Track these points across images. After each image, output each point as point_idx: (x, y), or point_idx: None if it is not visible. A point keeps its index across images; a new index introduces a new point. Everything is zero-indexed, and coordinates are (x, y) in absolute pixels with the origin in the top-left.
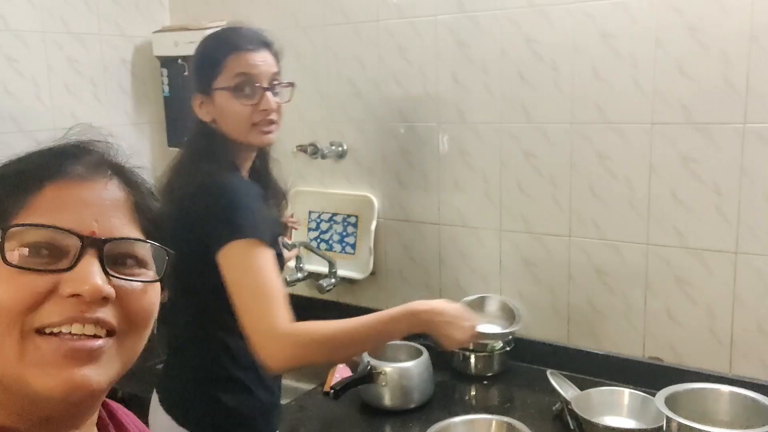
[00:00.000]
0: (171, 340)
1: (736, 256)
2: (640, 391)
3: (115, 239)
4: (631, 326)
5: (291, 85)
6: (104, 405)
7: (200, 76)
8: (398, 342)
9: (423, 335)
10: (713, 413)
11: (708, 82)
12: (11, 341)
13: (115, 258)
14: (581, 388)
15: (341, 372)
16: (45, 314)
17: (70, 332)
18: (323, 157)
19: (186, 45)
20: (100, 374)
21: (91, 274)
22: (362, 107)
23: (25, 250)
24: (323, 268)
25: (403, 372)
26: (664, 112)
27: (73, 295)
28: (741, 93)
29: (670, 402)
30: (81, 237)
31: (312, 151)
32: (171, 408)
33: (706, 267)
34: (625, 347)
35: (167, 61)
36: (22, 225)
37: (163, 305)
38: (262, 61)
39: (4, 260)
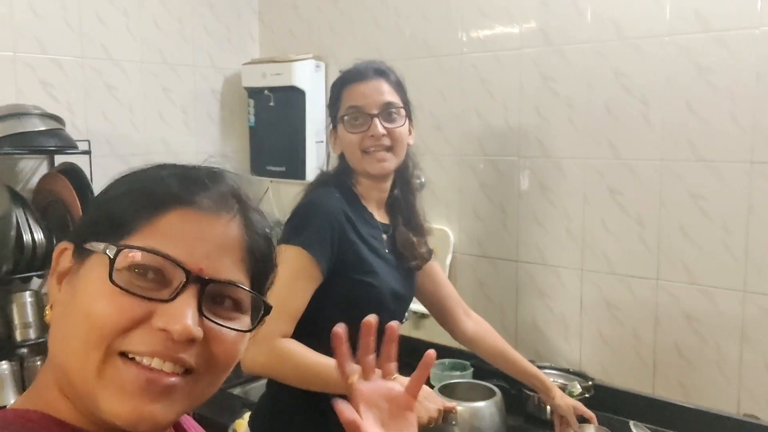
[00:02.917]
0: None
1: None
2: None
3: (219, 281)
4: (724, 379)
5: (404, 108)
6: None
7: (330, 112)
8: (471, 380)
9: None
10: None
11: None
12: (95, 357)
13: (214, 296)
14: None
15: None
16: (133, 341)
17: (150, 364)
18: None
19: (273, 77)
20: (168, 411)
21: (185, 314)
22: (442, 140)
23: (138, 255)
24: None
25: (475, 412)
26: (765, 150)
27: (162, 330)
28: None
29: None
30: (188, 272)
31: None
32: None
33: None
34: (718, 401)
35: (254, 92)
36: (136, 248)
37: None
38: (372, 90)
39: (111, 279)
